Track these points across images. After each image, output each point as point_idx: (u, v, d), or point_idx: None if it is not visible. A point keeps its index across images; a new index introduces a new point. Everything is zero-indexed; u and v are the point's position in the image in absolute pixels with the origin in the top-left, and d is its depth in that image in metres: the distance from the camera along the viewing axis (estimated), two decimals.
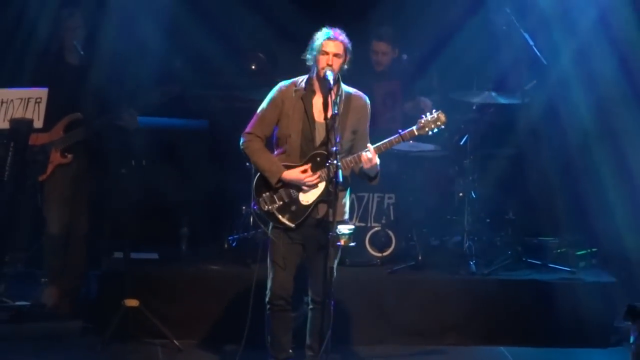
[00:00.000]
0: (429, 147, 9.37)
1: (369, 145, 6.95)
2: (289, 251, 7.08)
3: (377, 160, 6.94)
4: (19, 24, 9.09)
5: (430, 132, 7.08)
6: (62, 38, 8.56)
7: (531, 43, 9.25)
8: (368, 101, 7.14)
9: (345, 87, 7.07)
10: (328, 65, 6.92)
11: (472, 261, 8.96)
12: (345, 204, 7.11)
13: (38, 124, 7.69)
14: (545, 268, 9.05)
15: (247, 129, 7.10)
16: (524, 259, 9.12)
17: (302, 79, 7.08)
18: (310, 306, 7.15)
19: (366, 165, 6.94)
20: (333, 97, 6.88)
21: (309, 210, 7.03)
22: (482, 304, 8.66)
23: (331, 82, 6.87)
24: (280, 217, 7.04)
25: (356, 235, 7.23)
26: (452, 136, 9.48)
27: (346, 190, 7.11)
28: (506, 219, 9.46)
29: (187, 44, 9.88)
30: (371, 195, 9.11)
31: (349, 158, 6.98)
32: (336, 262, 6.94)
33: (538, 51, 9.23)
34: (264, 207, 7.06)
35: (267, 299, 7.14)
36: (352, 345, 8.44)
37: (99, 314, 8.43)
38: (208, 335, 8.48)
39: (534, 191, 9.61)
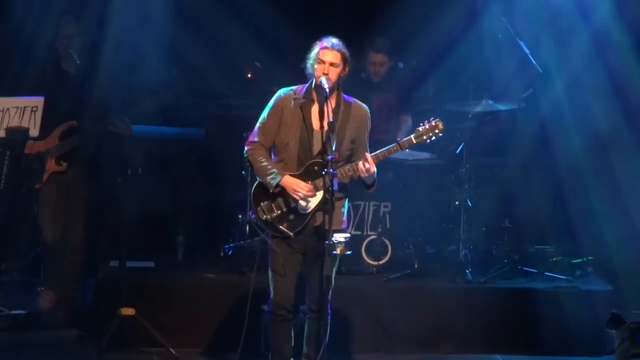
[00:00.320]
0: (425, 155, 9.39)
1: (366, 154, 6.96)
2: (289, 260, 7.06)
3: (375, 169, 6.95)
4: (16, 32, 9.08)
5: (428, 140, 7.09)
6: (57, 47, 8.56)
7: (527, 51, 9.28)
8: (368, 111, 7.15)
9: (345, 97, 7.09)
10: (324, 73, 6.93)
11: (468, 269, 8.96)
12: (343, 212, 7.11)
13: (34, 132, 7.69)
14: (541, 276, 9.06)
15: (251, 138, 7.11)
16: (520, 268, 9.14)
17: (301, 88, 7.09)
18: (307, 315, 7.15)
19: (363, 174, 6.95)
20: (330, 105, 6.89)
21: (308, 218, 7.03)
22: (479, 312, 8.65)
23: (327, 90, 6.88)
24: (279, 226, 7.03)
25: (352, 243, 7.23)
26: (448, 145, 9.50)
27: (344, 198, 7.12)
28: (502, 227, 9.47)
29: (183, 53, 9.88)
30: (367, 203, 9.12)
31: (347, 167, 6.99)
32: (334, 270, 6.94)
33: (534, 59, 9.25)
34: (262, 216, 7.05)
35: (268, 309, 7.14)
36: (348, 353, 8.42)
37: (95, 323, 8.43)
38: (204, 344, 8.47)
39: (530, 199, 9.61)
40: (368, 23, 9.96)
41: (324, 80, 6.91)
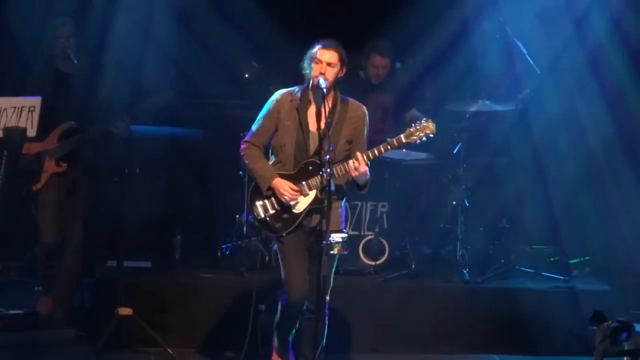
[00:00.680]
0: (422, 155, 9.39)
1: (357, 153, 6.94)
2: (297, 255, 7.08)
3: (366, 169, 6.93)
4: (12, 33, 9.08)
5: (418, 141, 7.04)
6: (54, 47, 8.55)
7: (524, 51, 9.28)
8: (366, 111, 7.15)
9: (343, 97, 7.08)
10: (321, 73, 6.94)
11: (465, 269, 8.97)
12: (341, 213, 7.11)
13: (31, 132, 7.68)
14: (538, 276, 9.06)
15: (246, 138, 7.13)
16: (517, 267, 9.14)
17: (298, 89, 7.10)
18: (305, 315, 7.16)
19: (353, 173, 6.94)
20: (327, 105, 6.90)
21: (300, 218, 7.04)
22: (476, 312, 8.66)
23: (324, 89, 6.89)
24: (273, 224, 7.05)
25: (349, 243, 7.23)
26: (446, 145, 9.49)
27: (342, 199, 7.12)
28: (499, 227, 9.46)
29: (180, 54, 9.89)
30: (364, 203, 9.11)
31: (339, 166, 6.98)
32: (333, 271, 6.95)
33: (531, 59, 9.26)
34: (258, 216, 7.08)
35: (284, 303, 7.16)
36: (346, 353, 8.42)
37: (92, 323, 8.42)
38: (202, 344, 8.47)
39: (528, 200, 9.61)
40: (366, 23, 9.96)
41: (321, 80, 6.92)
